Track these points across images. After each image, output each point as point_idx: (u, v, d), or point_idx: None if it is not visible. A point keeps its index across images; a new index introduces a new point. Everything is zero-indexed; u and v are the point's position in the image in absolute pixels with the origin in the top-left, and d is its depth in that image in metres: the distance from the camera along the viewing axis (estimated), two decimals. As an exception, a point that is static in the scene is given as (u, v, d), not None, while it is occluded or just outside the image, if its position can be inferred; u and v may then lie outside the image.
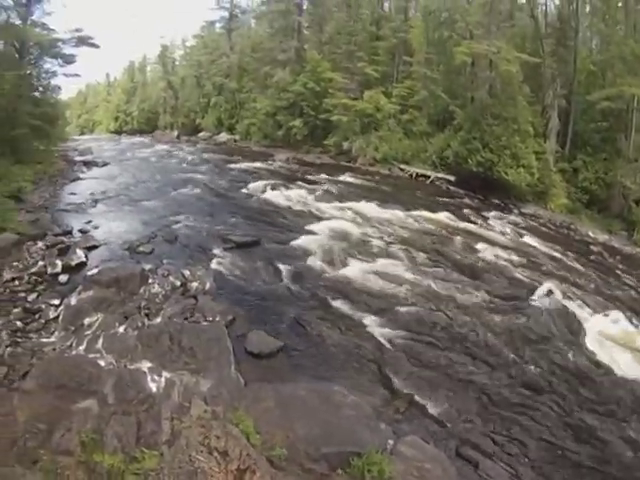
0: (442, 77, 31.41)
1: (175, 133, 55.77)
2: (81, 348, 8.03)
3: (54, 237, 12.55)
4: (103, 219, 15.05)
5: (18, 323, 8.55)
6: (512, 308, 11.02)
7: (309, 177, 24.87)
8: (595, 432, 7.43)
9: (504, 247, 15.62)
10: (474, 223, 18.64)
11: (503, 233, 17.88)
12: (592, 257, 17.12)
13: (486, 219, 19.67)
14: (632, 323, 10.96)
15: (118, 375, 6.82)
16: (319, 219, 16.29)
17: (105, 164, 28.78)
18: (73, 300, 9.33)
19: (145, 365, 7.46)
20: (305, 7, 43.47)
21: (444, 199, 22.79)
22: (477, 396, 7.92)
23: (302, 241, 13.59)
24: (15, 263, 10.67)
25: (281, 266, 11.80)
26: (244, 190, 20.64)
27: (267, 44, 43.19)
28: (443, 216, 18.61)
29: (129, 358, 7.67)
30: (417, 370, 8.36)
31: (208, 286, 10.50)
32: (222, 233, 13.97)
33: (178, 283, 10.47)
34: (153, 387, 6.95)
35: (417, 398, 7.61)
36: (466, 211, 20.47)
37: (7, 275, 10.08)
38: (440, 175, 27.31)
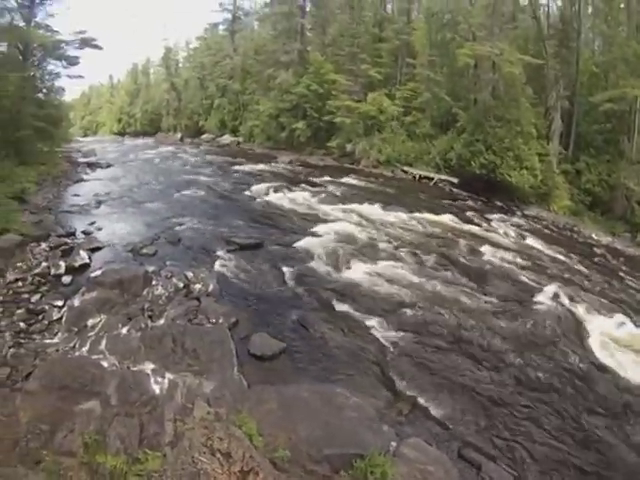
0: (445, 79, 31.35)
1: (178, 135, 55.95)
2: (84, 349, 8.05)
3: (58, 238, 12.63)
4: (107, 221, 15.10)
5: (21, 324, 8.58)
6: (516, 311, 10.96)
7: (312, 179, 24.87)
8: (600, 436, 7.37)
9: (507, 249, 15.56)
10: (478, 225, 18.58)
11: (506, 235, 17.81)
12: (596, 259, 17.03)
13: (489, 221, 19.60)
14: (637, 326, 10.87)
15: (121, 376, 6.83)
16: (322, 221, 16.27)
17: (109, 165, 28.96)
18: (76, 301, 9.37)
19: (148, 367, 7.46)
20: (308, 9, 43.55)
21: (447, 201, 22.74)
22: (480, 399, 7.88)
23: (305, 243, 13.58)
24: (19, 264, 10.72)
25: (284, 268, 11.80)
26: (247, 192, 20.68)
27: (270, 46, 43.17)
28: (447, 218, 18.57)
29: (132, 359, 7.67)
30: (420, 372, 8.33)
31: (211, 288, 10.50)
32: (225, 235, 13.99)
33: (181, 285, 10.48)
34: (156, 389, 6.94)
35: (420, 400, 7.58)
36: (469, 213, 20.40)
37: (11, 276, 10.13)
38: (443, 177, 27.27)
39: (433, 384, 8.06)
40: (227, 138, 47.62)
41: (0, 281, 9.89)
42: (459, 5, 33.10)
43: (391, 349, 8.85)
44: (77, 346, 8.15)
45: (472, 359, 8.91)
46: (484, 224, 18.98)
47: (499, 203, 23.64)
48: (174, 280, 10.62)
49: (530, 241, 17.44)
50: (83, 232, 13.73)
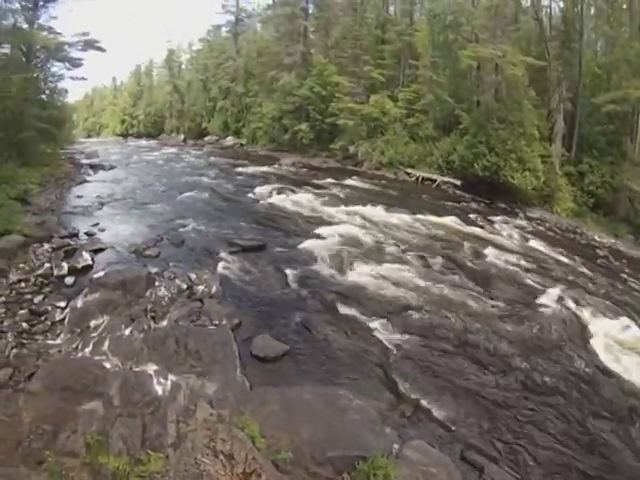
0: (448, 81, 31.28)
1: (181, 137, 56.19)
2: (87, 350, 8.05)
3: (60, 239, 12.62)
4: (109, 222, 15.12)
5: (24, 325, 8.58)
6: (521, 314, 10.91)
7: (315, 181, 24.85)
8: (604, 440, 7.33)
9: (511, 252, 15.53)
10: (481, 227, 18.55)
11: (510, 237, 17.79)
12: (599, 261, 17.01)
13: (492, 223, 19.59)
14: (641, 328, 10.84)
15: (124, 377, 6.83)
16: (326, 223, 16.24)
17: (112, 167, 28.98)
18: (79, 302, 9.36)
19: (151, 368, 7.45)
20: (311, 11, 43.72)
21: (450, 203, 22.73)
22: (484, 402, 7.84)
23: (308, 245, 13.56)
24: (21, 265, 10.73)
25: (287, 270, 11.77)
26: (250, 194, 20.68)
27: (273, 48, 43.21)
28: (450, 220, 18.54)
29: (135, 361, 7.66)
30: (424, 375, 8.29)
31: (214, 290, 10.48)
32: (228, 237, 13.98)
33: (184, 286, 10.46)
34: (159, 390, 6.93)
35: (423, 403, 7.54)
36: (472, 215, 20.37)
37: (13, 277, 10.14)
38: (446, 179, 27.24)
39: (436, 387, 8.02)
40: (230, 140, 47.73)
41: (3, 282, 9.89)
42: (461, 7, 33.07)
43: (394, 352, 8.82)
44: (80, 347, 8.14)
45: (476, 362, 8.87)
46: (487, 226, 18.96)
47: (502, 205, 23.59)
48: (177, 281, 10.60)
49: (533, 243, 17.43)
50: (86, 233, 13.74)
